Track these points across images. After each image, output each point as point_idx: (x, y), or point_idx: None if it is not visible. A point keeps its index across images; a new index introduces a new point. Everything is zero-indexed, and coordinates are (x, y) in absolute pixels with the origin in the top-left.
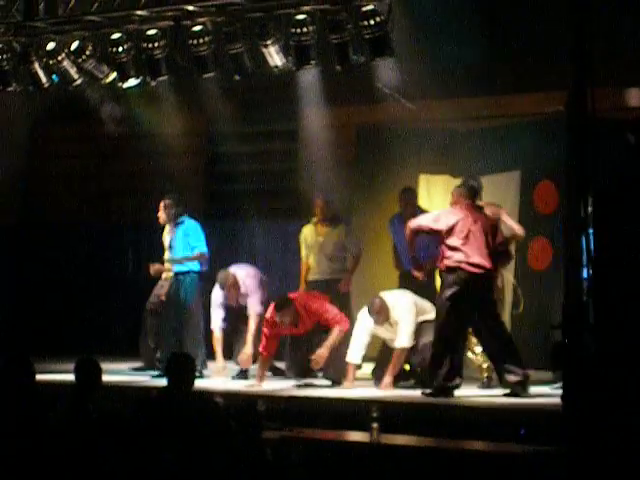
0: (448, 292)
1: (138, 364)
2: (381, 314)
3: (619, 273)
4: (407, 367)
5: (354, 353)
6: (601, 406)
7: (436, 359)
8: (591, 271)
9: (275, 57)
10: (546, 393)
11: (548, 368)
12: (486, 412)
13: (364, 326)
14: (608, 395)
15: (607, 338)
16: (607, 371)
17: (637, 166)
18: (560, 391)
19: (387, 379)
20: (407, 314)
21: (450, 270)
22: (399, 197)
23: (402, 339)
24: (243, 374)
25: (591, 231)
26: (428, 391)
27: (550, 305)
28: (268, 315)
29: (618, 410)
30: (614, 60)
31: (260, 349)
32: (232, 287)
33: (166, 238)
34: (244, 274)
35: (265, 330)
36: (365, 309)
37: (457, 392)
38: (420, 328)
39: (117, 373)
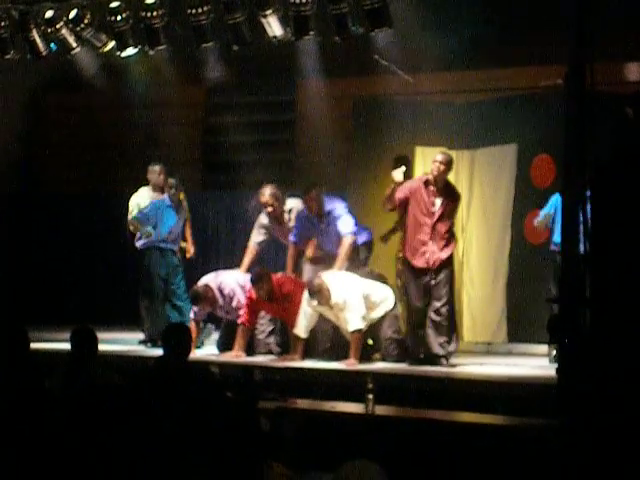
0: None
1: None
2: (320, 295)
3: (616, 247)
4: (370, 342)
5: (299, 327)
6: (596, 379)
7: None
8: (588, 245)
9: (274, 27)
10: (542, 366)
11: (544, 341)
12: (481, 384)
13: (308, 302)
14: (604, 368)
15: (603, 312)
16: (603, 344)
17: (635, 140)
18: (555, 364)
19: (351, 360)
20: (352, 298)
21: None
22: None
23: (353, 322)
24: None
25: (588, 205)
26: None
27: (547, 279)
28: (248, 287)
29: (613, 383)
30: (613, 34)
31: (240, 320)
32: (206, 302)
33: None
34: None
35: (247, 301)
36: None
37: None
38: (382, 320)
39: (114, 343)
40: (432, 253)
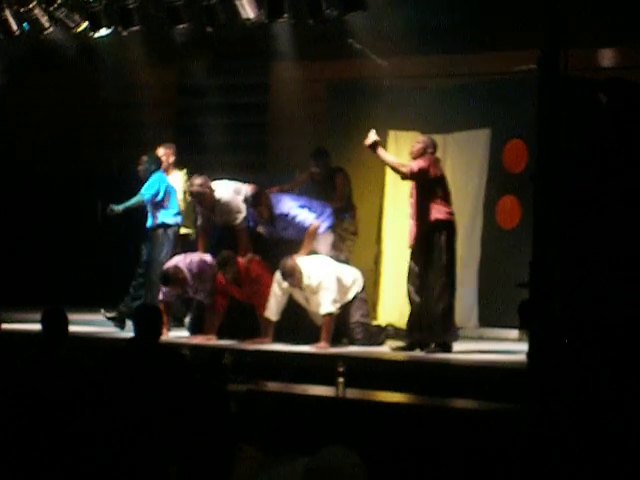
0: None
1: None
2: (291, 277)
3: (587, 232)
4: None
5: (270, 310)
6: (567, 364)
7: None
8: (559, 230)
9: (248, 9)
10: (513, 350)
11: (515, 326)
12: (452, 368)
13: (278, 284)
14: (574, 353)
15: (574, 297)
16: (573, 329)
17: (608, 126)
18: (526, 348)
19: (322, 343)
20: (325, 281)
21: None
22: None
23: (325, 306)
24: None
25: (560, 190)
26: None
27: (518, 263)
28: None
29: (584, 368)
30: (587, 20)
31: (211, 303)
32: (176, 283)
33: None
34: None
35: (217, 285)
36: None
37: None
38: (351, 303)
39: (85, 324)
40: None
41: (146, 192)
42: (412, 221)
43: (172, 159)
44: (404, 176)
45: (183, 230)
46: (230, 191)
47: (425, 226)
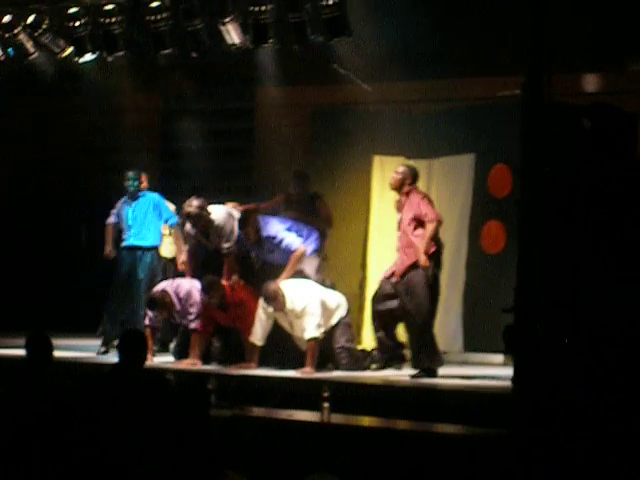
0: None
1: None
2: (274, 301)
3: (572, 257)
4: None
5: (255, 334)
6: (551, 389)
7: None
8: (544, 255)
9: (233, 35)
10: (497, 375)
11: (500, 351)
12: (436, 393)
13: (263, 309)
14: (558, 378)
15: (558, 322)
16: (558, 354)
17: (592, 151)
18: (511, 373)
19: (307, 368)
20: (310, 306)
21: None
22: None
23: (309, 331)
24: None
25: (544, 215)
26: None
27: (503, 289)
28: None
29: (568, 393)
30: (570, 46)
31: (195, 327)
32: (163, 308)
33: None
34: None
35: (202, 309)
36: None
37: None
38: (335, 328)
39: (70, 349)
40: (396, 265)
41: (171, 217)
42: (402, 256)
43: (145, 184)
44: (436, 228)
45: (167, 254)
46: (224, 215)
47: (417, 264)
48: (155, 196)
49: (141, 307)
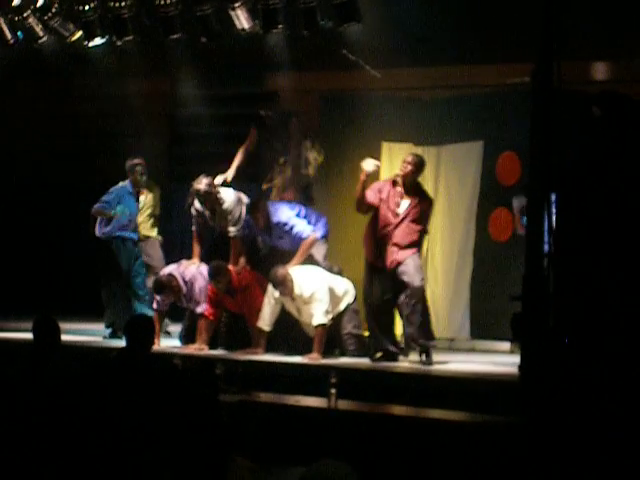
0: None
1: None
2: (283, 286)
3: (580, 246)
4: (366, 333)
5: (263, 319)
6: (559, 377)
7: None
8: (552, 243)
9: (242, 20)
10: (504, 363)
11: (507, 338)
12: (444, 380)
13: (271, 294)
14: (566, 366)
15: (566, 310)
16: (565, 342)
17: (601, 139)
18: (518, 361)
19: (314, 354)
20: (318, 292)
21: None
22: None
23: (317, 317)
24: None
25: (553, 203)
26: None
27: (511, 276)
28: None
29: (576, 381)
30: (580, 33)
31: (202, 312)
32: (170, 292)
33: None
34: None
35: (209, 294)
36: None
37: (414, 359)
38: (342, 314)
39: (77, 333)
40: (391, 254)
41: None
42: (392, 247)
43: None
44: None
45: (146, 232)
46: (234, 198)
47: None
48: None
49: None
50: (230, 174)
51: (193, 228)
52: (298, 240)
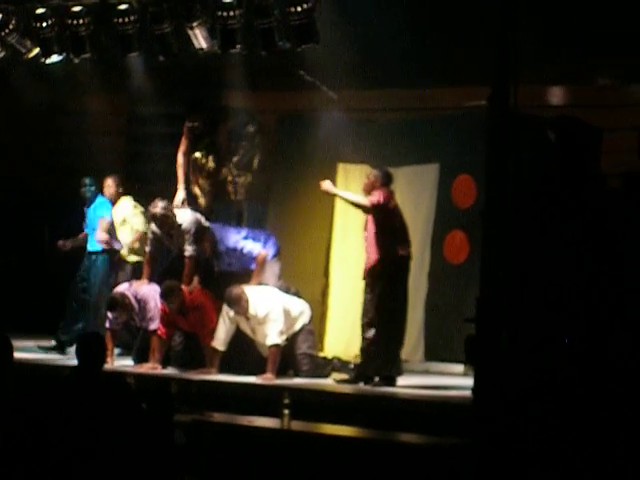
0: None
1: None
2: (238, 305)
3: (535, 269)
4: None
5: (217, 339)
6: (512, 400)
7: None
8: (507, 266)
9: (201, 39)
10: (457, 385)
11: (460, 361)
12: (397, 402)
13: (226, 314)
14: (519, 389)
15: (520, 332)
16: (519, 365)
17: (557, 163)
18: (471, 384)
19: (268, 375)
20: (273, 313)
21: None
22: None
23: (271, 337)
24: None
25: (508, 226)
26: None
27: (465, 299)
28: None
29: (529, 404)
30: (537, 57)
31: (154, 329)
32: (123, 310)
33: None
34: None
35: (161, 314)
36: None
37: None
38: (297, 334)
39: (28, 351)
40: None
41: (108, 212)
42: (368, 254)
43: (120, 189)
44: (366, 209)
45: (133, 258)
46: (192, 218)
47: (383, 260)
48: (103, 200)
49: (94, 312)
50: (181, 190)
51: (147, 249)
52: (249, 260)
